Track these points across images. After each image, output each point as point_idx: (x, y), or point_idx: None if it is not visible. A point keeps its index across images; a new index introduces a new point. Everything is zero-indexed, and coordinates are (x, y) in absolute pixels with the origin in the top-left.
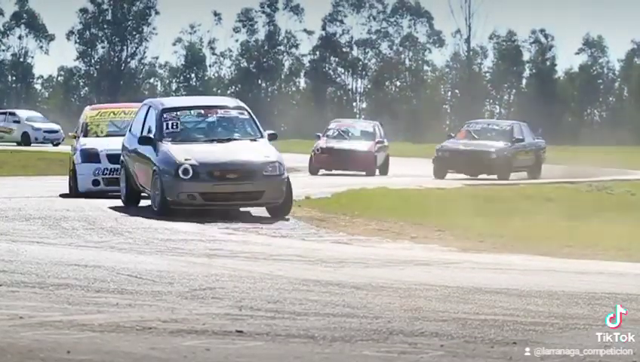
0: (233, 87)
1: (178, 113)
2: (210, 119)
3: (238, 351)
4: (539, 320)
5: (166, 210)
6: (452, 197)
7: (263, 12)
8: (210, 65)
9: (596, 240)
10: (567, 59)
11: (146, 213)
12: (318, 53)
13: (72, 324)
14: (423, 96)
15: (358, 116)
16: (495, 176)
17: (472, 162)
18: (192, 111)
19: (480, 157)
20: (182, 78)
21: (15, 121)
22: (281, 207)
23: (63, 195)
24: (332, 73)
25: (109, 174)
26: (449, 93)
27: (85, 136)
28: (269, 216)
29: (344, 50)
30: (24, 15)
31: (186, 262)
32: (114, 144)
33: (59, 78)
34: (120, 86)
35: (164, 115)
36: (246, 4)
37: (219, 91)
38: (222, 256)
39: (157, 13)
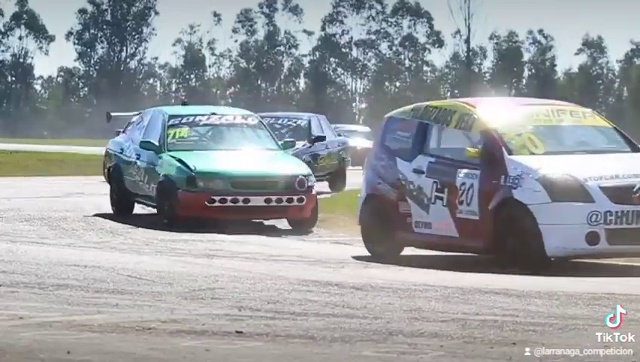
0: (233, 87)
1: None
2: None
3: (238, 352)
4: (539, 320)
5: None
6: None
7: (263, 13)
8: (209, 66)
9: None
10: (567, 60)
11: None
12: (317, 53)
13: (72, 325)
14: (422, 97)
15: (357, 117)
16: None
17: None
18: None
19: None
20: (181, 78)
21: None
22: None
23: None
24: (332, 74)
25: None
26: (448, 94)
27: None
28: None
29: (344, 50)
30: (24, 16)
31: (185, 262)
32: (604, 168)
33: (58, 79)
34: (119, 86)
35: None
36: (245, 4)
37: (218, 92)
38: (222, 257)
39: (156, 13)
